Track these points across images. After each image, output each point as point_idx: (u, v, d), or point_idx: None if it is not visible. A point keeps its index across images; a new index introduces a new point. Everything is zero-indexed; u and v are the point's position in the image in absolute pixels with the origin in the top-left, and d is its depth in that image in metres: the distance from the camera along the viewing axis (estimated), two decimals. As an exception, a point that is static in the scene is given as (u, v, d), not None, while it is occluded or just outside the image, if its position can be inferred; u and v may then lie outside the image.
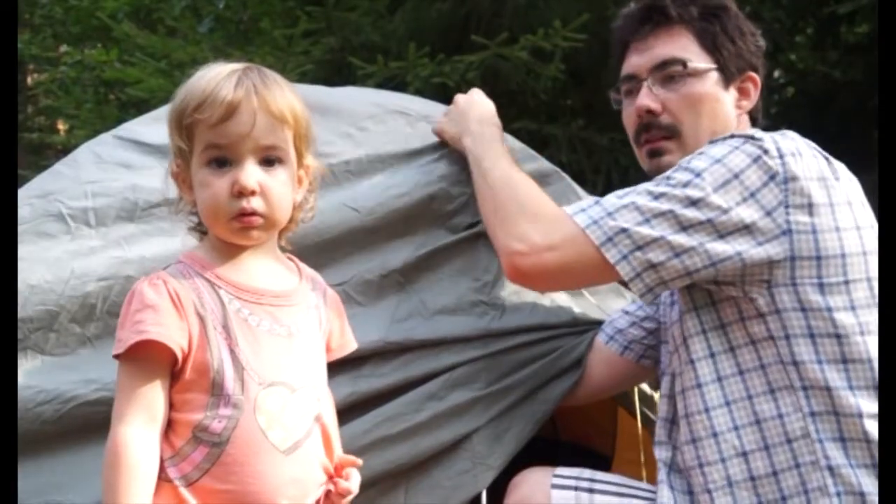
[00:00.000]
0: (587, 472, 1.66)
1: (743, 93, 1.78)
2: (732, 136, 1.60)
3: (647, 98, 1.75)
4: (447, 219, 1.85)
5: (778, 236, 1.52)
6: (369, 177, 1.87)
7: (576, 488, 1.62)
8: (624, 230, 1.55)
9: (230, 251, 1.39)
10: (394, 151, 1.90)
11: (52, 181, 1.88)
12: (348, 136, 1.92)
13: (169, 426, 1.32)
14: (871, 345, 1.51)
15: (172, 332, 1.30)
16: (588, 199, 1.66)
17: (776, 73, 4.31)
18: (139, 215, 1.81)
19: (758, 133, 1.60)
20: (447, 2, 4.03)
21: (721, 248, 1.53)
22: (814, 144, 1.64)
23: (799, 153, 1.55)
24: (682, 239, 1.53)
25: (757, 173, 1.53)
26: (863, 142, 3.85)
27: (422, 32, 3.97)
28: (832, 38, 4.06)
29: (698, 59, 1.75)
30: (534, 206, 1.66)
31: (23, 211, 1.81)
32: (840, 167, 1.62)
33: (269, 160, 1.36)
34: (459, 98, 1.93)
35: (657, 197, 1.55)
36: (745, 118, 1.79)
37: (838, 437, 1.49)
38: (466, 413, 1.70)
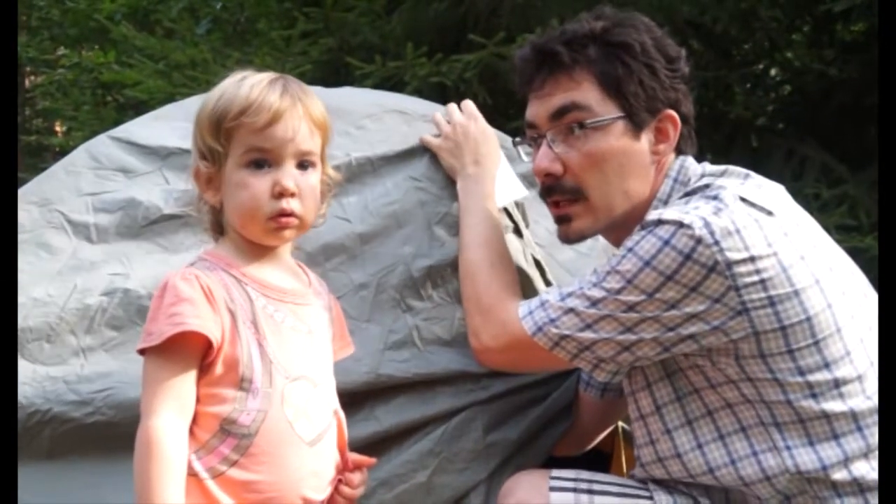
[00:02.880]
0: (584, 474, 1.64)
1: (660, 134, 1.61)
2: (659, 223, 1.47)
3: (546, 159, 1.60)
4: (439, 218, 1.84)
5: (734, 317, 1.45)
6: (359, 183, 1.87)
7: (574, 490, 1.60)
8: (567, 336, 1.54)
9: (253, 251, 1.44)
10: (382, 153, 1.90)
11: (49, 186, 1.90)
12: (347, 135, 1.93)
13: (193, 420, 1.35)
14: (849, 396, 1.47)
15: (210, 325, 1.33)
16: (535, 299, 1.61)
17: (773, 72, 4.32)
18: (139, 232, 1.84)
19: (687, 216, 1.46)
20: (444, 1, 4.03)
21: (672, 335, 1.49)
22: (753, 184, 1.54)
23: (736, 229, 1.43)
24: (628, 336, 1.50)
25: (693, 269, 1.44)
26: (859, 139, 3.86)
27: (419, 32, 3.97)
28: (828, 36, 4.07)
29: (601, 106, 1.58)
30: (487, 302, 1.65)
31: (21, 217, 1.83)
32: (783, 208, 1.52)
33: (303, 164, 1.42)
34: (458, 124, 1.85)
35: (595, 303, 1.51)
36: (669, 158, 1.63)
37: (829, 482, 1.47)
38: (466, 470, 1.70)
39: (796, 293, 1.45)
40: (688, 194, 1.57)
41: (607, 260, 1.56)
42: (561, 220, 1.66)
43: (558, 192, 1.63)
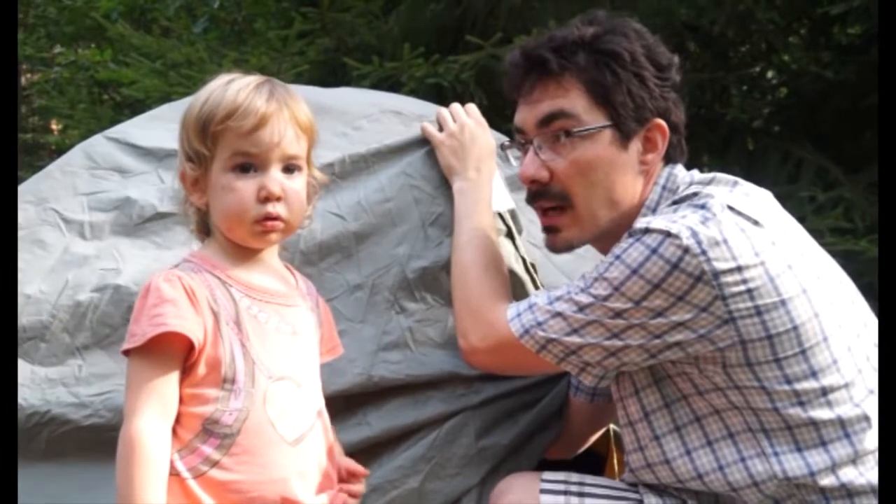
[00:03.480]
0: (575, 476, 1.64)
1: (648, 143, 1.60)
2: (647, 231, 1.47)
3: (533, 166, 1.61)
4: (433, 219, 1.84)
5: (720, 325, 1.45)
6: (353, 180, 1.87)
7: (565, 493, 1.60)
8: (553, 340, 1.54)
9: (239, 253, 1.44)
10: (376, 149, 1.90)
11: (46, 186, 1.90)
12: (344, 136, 1.93)
13: (175, 420, 1.35)
14: (837, 404, 1.47)
15: (192, 325, 1.34)
16: (524, 301, 1.61)
17: (769, 74, 4.32)
18: (133, 230, 1.84)
19: (675, 225, 1.45)
20: (442, 2, 4.04)
21: (658, 342, 1.49)
22: (741, 192, 1.53)
23: (724, 239, 1.44)
24: (614, 342, 1.51)
25: (680, 278, 1.44)
26: (855, 142, 3.87)
27: (416, 33, 3.97)
28: (825, 39, 4.07)
29: (589, 115, 1.57)
30: (477, 304, 1.65)
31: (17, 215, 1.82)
32: (770, 217, 1.51)
33: (289, 168, 1.42)
34: (467, 127, 1.84)
35: (582, 309, 1.51)
36: (658, 166, 1.62)
37: (816, 487, 1.47)
38: (458, 475, 1.69)
39: (783, 302, 1.45)
40: (676, 202, 1.56)
41: (595, 266, 1.56)
42: (548, 230, 1.67)
43: (544, 199, 1.63)
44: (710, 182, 1.58)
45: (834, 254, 1.65)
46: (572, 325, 1.52)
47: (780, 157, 3.69)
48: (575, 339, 1.52)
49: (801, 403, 1.46)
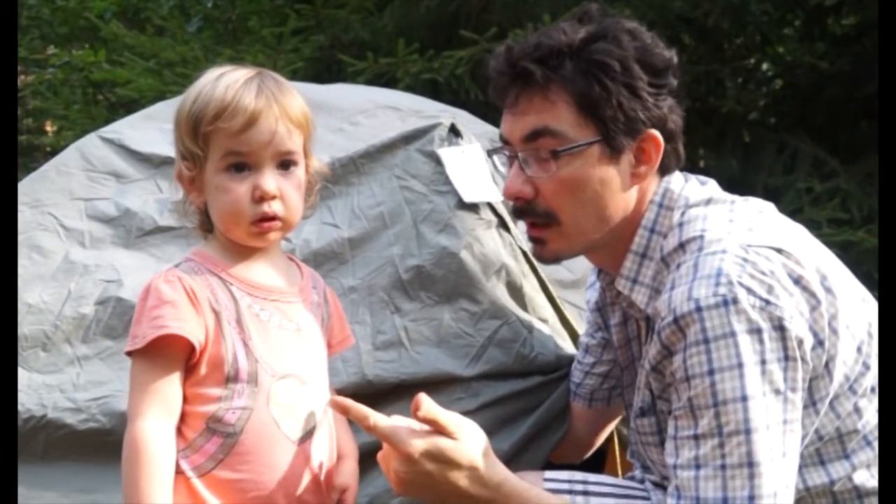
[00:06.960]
0: (578, 475, 1.60)
1: (642, 155, 1.49)
2: (722, 303, 1.34)
3: (518, 181, 1.50)
4: (424, 216, 1.83)
5: (814, 347, 1.39)
6: (344, 184, 1.87)
7: (570, 492, 1.56)
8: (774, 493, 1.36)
9: (240, 251, 1.43)
10: (364, 151, 1.88)
11: (42, 187, 1.90)
12: (340, 131, 1.94)
13: (181, 419, 1.35)
14: (863, 413, 1.43)
15: (191, 327, 1.33)
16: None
17: (764, 66, 4.33)
18: (132, 243, 1.84)
19: (740, 301, 1.34)
20: (436, -3, 4.04)
21: (801, 395, 1.39)
22: (741, 216, 1.46)
23: (770, 284, 1.35)
24: (785, 444, 1.37)
25: (773, 344, 1.34)
26: (850, 132, 3.88)
27: (411, 29, 3.98)
28: (819, 30, 4.08)
29: (576, 130, 1.46)
30: None
31: None
32: (782, 234, 1.44)
33: (285, 164, 1.40)
34: (399, 474, 1.43)
35: (721, 456, 1.34)
36: (654, 180, 1.51)
37: (829, 491, 1.44)
38: None
39: (830, 321, 1.40)
40: (682, 245, 1.47)
41: (674, 428, 1.39)
42: (535, 241, 1.56)
43: (530, 215, 1.53)
44: (707, 203, 1.51)
45: (831, 244, 1.64)
46: (758, 480, 1.34)
47: (775, 148, 3.70)
48: (779, 479, 1.35)
49: (839, 417, 1.44)
